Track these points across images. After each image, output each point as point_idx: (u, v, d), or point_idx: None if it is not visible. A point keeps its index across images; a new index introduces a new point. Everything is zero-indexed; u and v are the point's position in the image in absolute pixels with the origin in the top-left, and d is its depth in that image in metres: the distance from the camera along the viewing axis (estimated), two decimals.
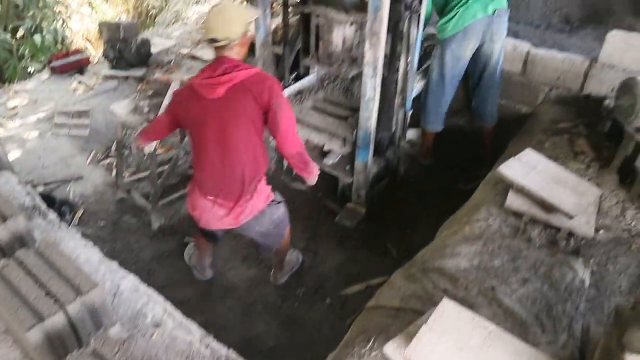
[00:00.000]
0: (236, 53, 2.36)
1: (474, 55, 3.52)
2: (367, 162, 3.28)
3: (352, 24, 3.01)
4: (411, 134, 4.03)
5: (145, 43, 5.23)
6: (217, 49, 2.33)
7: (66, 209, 3.56)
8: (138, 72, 5.06)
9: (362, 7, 2.78)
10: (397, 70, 3.08)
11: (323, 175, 3.62)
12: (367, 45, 2.86)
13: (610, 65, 3.43)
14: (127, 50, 5.03)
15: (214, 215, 2.50)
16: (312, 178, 2.65)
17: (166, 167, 3.70)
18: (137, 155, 4.25)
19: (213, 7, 2.37)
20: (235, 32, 2.29)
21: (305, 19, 3.43)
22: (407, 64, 3.11)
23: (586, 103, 3.55)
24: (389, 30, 2.91)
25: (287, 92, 3.60)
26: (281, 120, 2.33)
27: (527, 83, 3.71)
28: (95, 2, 8.11)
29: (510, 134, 3.63)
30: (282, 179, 3.85)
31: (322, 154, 3.55)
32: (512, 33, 4.35)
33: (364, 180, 3.37)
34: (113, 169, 4.07)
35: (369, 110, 3.08)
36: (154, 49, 5.41)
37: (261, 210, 2.55)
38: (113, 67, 5.10)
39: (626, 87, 2.64)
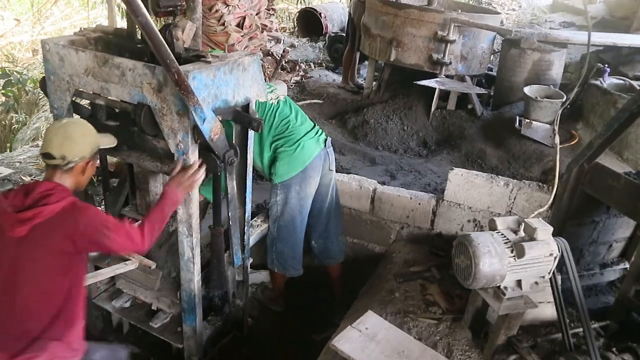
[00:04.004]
0: (71, 181, 1.99)
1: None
2: (195, 326, 2.81)
3: (167, 174, 2.63)
4: (262, 276, 3.64)
5: None
6: (49, 168, 1.95)
7: None
8: None
9: None
10: (221, 224, 2.71)
11: (154, 339, 3.09)
12: None
13: (456, 203, 3.28)
14: None
15: None
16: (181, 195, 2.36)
17: None
18: None
19: (59, 120, 2.04)
20: (75, 152, 1.95)
21: (130, 166, 3.02)
22: (229, 217, 2.77)
23: (438, 242, 3.37)
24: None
25: None
26: (112, 246, 2.03)
27: (377, 221, 3.48)
28: None
29: (364, 276, 3.34)
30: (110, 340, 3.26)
31: (150, 313, 3.04)
32: (369, 159, 4.22)
33: (196, 346, 2.88)
34: None
35: (190, 271, 2.65)
36: None
37: None
38: None
39: (461, 246, 2.40)
